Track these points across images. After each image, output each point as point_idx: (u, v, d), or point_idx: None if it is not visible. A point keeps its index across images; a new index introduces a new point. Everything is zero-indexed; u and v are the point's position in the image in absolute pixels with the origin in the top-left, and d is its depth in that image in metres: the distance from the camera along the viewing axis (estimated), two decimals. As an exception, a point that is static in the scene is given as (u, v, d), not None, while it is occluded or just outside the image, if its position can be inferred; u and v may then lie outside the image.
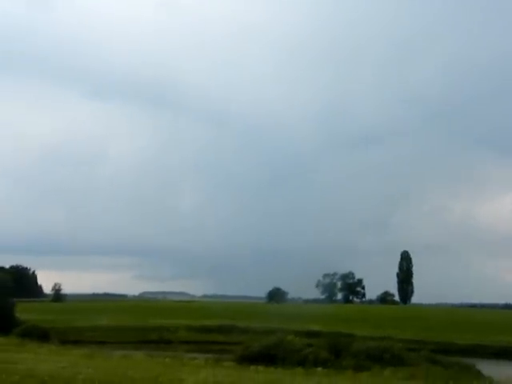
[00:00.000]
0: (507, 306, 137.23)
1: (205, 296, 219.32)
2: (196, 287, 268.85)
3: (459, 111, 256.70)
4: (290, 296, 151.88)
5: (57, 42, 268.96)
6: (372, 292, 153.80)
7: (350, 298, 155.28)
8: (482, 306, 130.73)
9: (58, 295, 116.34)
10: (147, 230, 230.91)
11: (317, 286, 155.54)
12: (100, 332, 48.95)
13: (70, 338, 42.23)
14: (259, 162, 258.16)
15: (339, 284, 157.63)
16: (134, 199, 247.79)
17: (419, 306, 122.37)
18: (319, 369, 23.11)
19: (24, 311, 53.33)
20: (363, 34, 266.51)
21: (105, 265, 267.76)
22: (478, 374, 25.68)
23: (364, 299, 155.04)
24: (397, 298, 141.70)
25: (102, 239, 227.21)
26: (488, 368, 28.35)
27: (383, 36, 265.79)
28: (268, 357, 26.73)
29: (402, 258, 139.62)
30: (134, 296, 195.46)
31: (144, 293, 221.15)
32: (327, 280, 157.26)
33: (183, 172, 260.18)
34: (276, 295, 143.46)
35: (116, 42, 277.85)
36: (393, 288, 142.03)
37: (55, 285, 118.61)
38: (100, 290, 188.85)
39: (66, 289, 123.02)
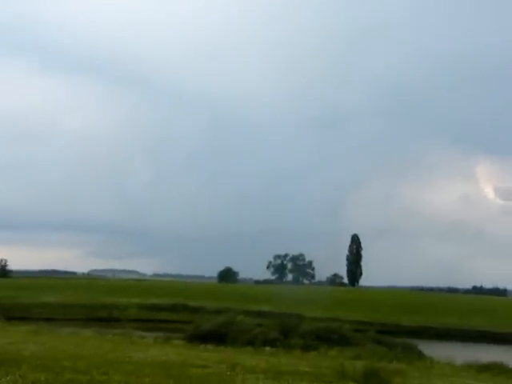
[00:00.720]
0: (451, 290, 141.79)
1: (156, 275, 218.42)
2: (147, 266, 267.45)
3: (413, 100, 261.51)
4: (241, 276, 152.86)
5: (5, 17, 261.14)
6: (322, 274, 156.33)
7: (300, 279, 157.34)
8: (430, 290, 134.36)
9: (3, 271, 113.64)
10: (98, 206, 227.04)
11: (268, 267, 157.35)
12: (48, 309, 48.29)
13: (17, 315, 41.34)
14: (215, 142, 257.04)
15: (290, 265, 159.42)
16: (85, 175, 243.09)
17: (368, 289, 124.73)
18: (268, 348, 23.55)
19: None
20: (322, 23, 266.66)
21: (53, 241, 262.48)
22: (420, 355, 26.62)
23: (314, 280, 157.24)
24: (346, 280, 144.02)
25: (50, 214, 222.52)
26: (430, 349, 29.35)
27: (343, 24, 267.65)
28: (218, 336, 26.96)
29: (352, 241, 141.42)
30: (83, 273, 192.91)
31: (93, 270, 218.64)
32: (278, 261, 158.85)
33: (135, 149, 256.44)
34: (227, 275, 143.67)
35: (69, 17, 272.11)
36: (342, 270, 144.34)
37: (0, 260, 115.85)
38: (48, 267, 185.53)
39: (12, 265, 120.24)
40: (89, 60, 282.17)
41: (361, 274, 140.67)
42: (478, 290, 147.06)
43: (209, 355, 17.99)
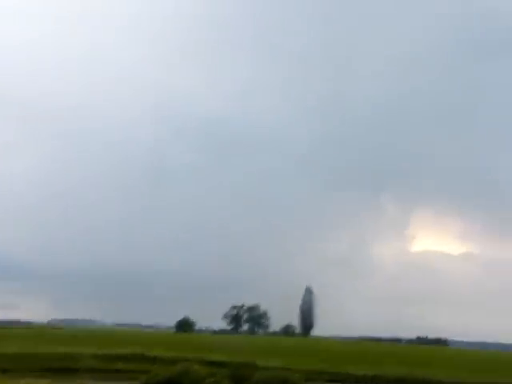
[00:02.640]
0: (395, 340, 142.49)
1: (115, 324, 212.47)
2: (106, 315, 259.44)
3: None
4: (198, 326, 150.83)
5: None
6: (276, 324, 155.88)
7: (255, 329, 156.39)
8: (377, 339, 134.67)
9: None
10: (56, 255, 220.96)
11: (224, 316, 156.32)
12: (4, 359, 46.18)
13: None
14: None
15: (245, 316, 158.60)
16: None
17: (319, 338, 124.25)
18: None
19: None
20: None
21: (11, 290, 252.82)
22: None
23: (268, 331, 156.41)
24: (299, 330, 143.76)
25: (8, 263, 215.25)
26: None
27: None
28: (173, 385, 26.40)
29: (305, 293, 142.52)
30: (42, 323, 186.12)
31: (53, 320, 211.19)
32: (234, 311, 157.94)
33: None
34: (185, 325, 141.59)
35: None
36: (296, 321, 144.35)
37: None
38: (6, 317, 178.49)
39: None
40: None
41: (313, 324, 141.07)
42: (421, 340, 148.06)
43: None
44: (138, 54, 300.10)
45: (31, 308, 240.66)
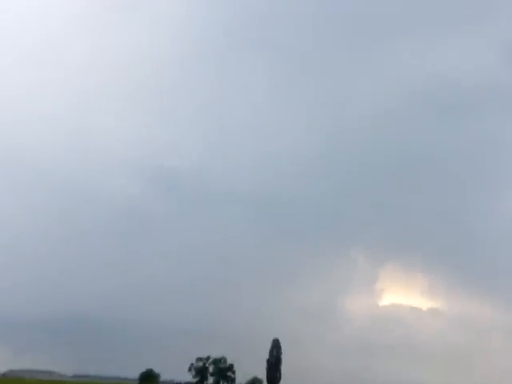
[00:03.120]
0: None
1: (75, 376, 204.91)
2: (66, 366, 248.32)
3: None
4: (162, 378, 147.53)
5: None
6: (242, 377, 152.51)
7: (221, 382, 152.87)
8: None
9: None
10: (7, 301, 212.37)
11: (190, 369, 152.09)
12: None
13: None
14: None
15: (211, 368, 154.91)
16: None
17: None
18: None
19: None
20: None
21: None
22: None
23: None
24: (265, 383, 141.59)
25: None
26: None
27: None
28: None
29: (272, 345, 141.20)
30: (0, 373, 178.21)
31: (11, 371, 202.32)
32: (200, 364, 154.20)
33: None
34: (149, 377, 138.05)
35: None
36: (262, 374, 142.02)
37: None
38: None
39: None
40: None
41: (280, 377, 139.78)
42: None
43: None
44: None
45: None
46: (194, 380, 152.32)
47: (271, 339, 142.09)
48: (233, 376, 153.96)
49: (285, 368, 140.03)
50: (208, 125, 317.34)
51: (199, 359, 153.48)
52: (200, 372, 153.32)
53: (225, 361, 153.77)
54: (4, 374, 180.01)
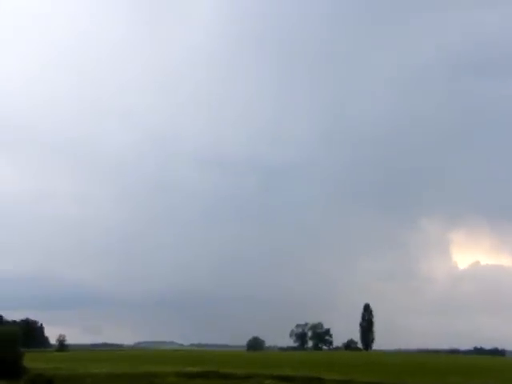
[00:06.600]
0: (453, 351, 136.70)
1: (192, 345, 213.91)
2: (184, 337, 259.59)
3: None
4: (267, 344, 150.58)
5: None
6: (338, 340, 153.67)
7: (319, 345, 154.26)
8: (435, 351, 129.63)
9: (61, 345, 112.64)
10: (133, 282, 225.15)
11: (290, 335, 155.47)
12: (98, 379, 47.36)
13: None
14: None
15: (310, 333, 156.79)
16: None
17: (380, 352, 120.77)
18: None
19: (31, 360, 51.58)
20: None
21: (103, 316, 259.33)
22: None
23: (331, 346, 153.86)
24: (360, 345, 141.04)
25: (102, 294, 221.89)
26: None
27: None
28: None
29: (364, 310, 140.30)
30: (130, 345, 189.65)
31: (138, 343, 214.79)
32: (299, 330, 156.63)
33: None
34: (255, 344, 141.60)
35: None
36: (357, 336, 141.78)
37: (59, 336, 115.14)
38: (99, 341, 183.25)
39: (69, 339, 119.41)
40: None
41: (373, 339, 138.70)
42: (478, 351, 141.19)
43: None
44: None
45: (120, 331, 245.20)
46: (295, 344, 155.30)
47: (362, 304, 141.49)
48: (330, 339, 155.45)
49: (377, 330, 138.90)
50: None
51: (298, 326, 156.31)
52: (300, 337, 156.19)
53: (321, 326, 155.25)
54: (133, 346, 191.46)
